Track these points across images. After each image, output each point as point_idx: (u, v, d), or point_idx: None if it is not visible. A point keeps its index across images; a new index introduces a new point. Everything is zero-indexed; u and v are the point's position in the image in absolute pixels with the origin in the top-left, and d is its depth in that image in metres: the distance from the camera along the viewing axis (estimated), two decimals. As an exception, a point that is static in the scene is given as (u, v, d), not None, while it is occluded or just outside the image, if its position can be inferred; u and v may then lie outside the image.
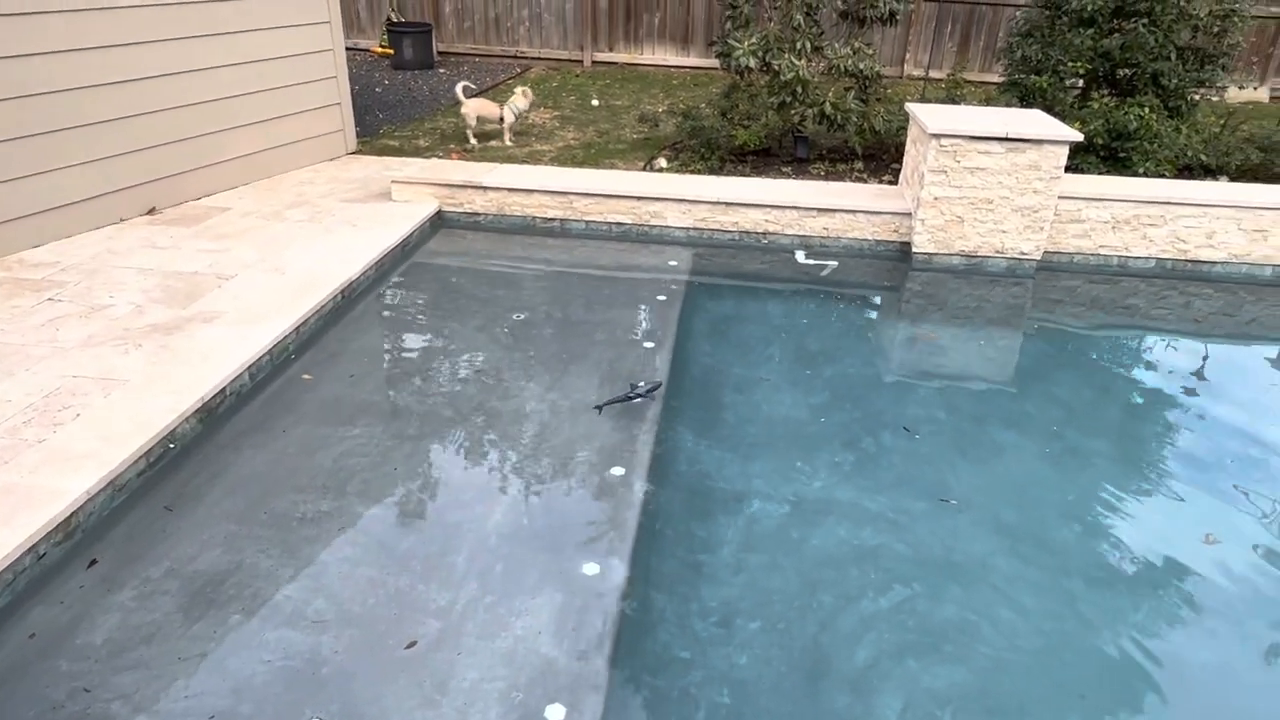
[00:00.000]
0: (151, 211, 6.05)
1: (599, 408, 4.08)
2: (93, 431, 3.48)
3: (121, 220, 5.87)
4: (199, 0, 6.04)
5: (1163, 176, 6.98)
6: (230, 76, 6.42)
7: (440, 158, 7.70)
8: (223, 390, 3.93)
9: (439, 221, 6.45)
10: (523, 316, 5.07)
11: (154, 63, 5.83)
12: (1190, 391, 4.77)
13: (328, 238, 5.71)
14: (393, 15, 12.72)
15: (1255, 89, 11.46)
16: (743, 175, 7.28)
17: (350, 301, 5.10)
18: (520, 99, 8.25)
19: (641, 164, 7.72)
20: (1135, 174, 6.96)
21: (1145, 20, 7.06)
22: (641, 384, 4.16)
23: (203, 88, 6.23)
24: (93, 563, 3.04)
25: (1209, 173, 7.37)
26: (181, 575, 3.00)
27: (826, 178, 7.32)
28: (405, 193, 6.47)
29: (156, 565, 3.04)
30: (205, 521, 3.27)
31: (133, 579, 2.98)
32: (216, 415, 3.88)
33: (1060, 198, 5.83)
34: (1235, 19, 7.09)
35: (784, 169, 7.52)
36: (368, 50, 12.94)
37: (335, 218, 6.08)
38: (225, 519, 3.28)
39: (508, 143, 8.28)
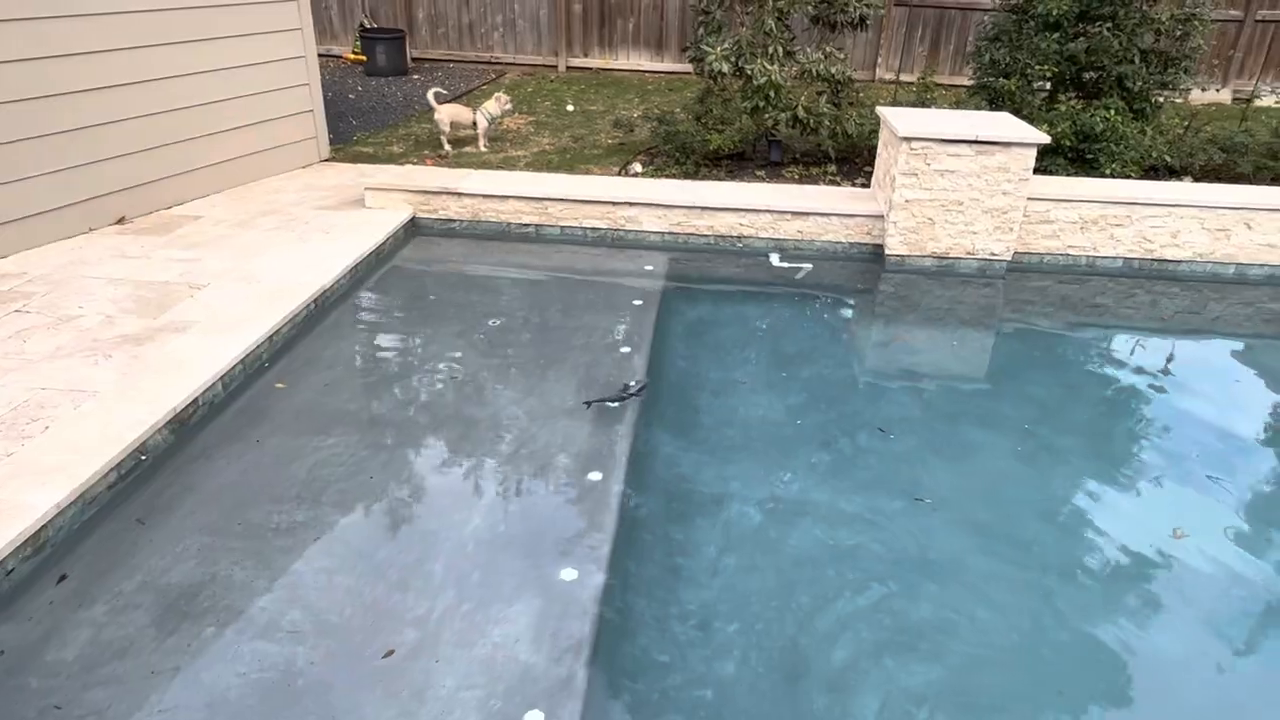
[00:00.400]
0: (121, 221, 5.98)
1: (588, 403, 4.11)
2: (62, 444, 3.43)
3: (90, 230, 5.79)
4: (168, 8, 5.98)
5: (1129, 177, 7.09)
6: (200, 84, 6.36)
7: (415, 164, 7.67)
8: (195, 400, 3.89)
9: (413, 228, 6.42)
10: (498, 322, 5.06)
11: (122, 71, 5.76)
12: (1158, 388, 4.85)
13: (301, 245, 5.67)
14: (366, 21, 12.66)
15: (1218, 91, 11.68)
16: (717, 179, 7.31)
17: (324, 310, 5.07)
18: (493, 104, 8.24)
19: (617, 169, 7.74)
20: (1102, 175, 7.08)
21: (1109, 24, 7.19)
22: (633, 383, 4.21)
23: (172, 95, 6.17)
24: (63, 578, 3.00)
25: (1173, 173, 7.51)
26: (154, 588, 2.97)
27: (800, 181, 7.37)
28: (379, 200, 6.44)
29: (128, 579, 3.00)
30: (178, 534, 3.23)
31: (104, 593, 2.94)
32: (189, 426, 3.84)
33: (1029, 199, 5.91)
34: (1196, 23, 7.23)
35: (758, 173, 7.57)
36: (340, 57, 12.87)
37: (308, 225, 6.04)
38: (198, 531, 3.25)
39: (482, 148, 8.27)
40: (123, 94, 5.80)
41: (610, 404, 4.13)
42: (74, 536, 3.17)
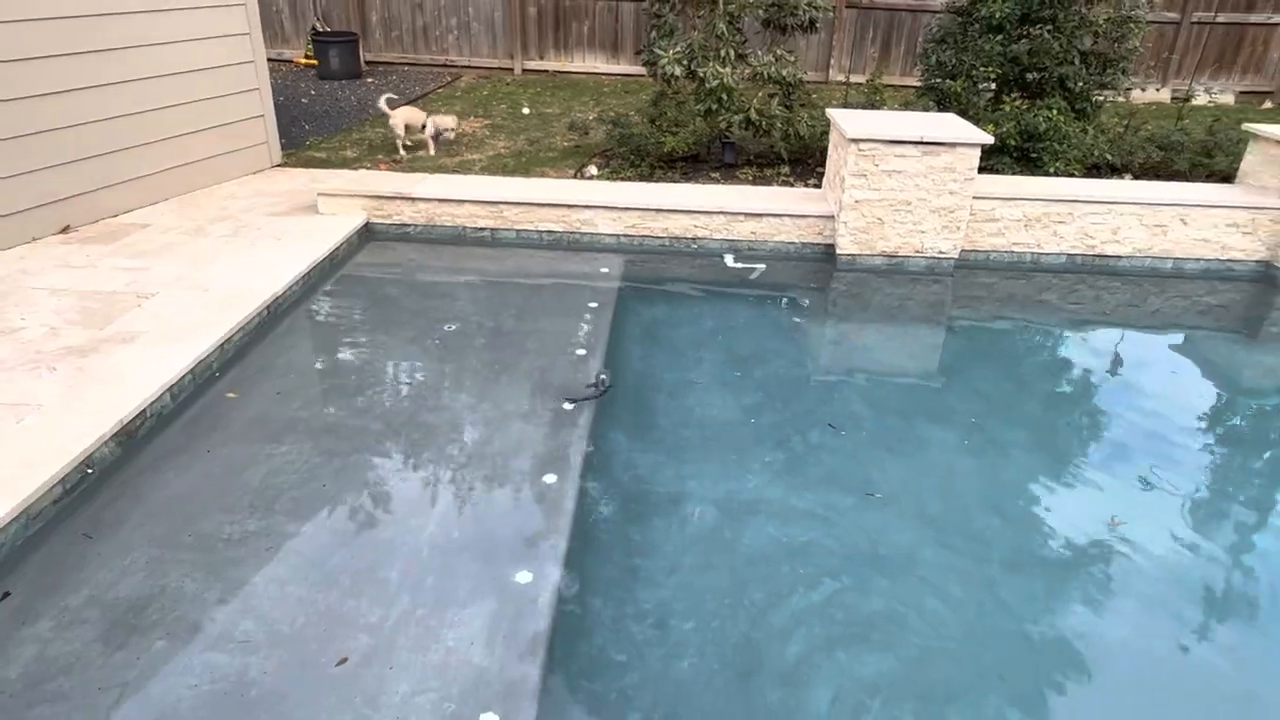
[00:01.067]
0: (66, 229, 5.86)
1: (572, 401, 4.22)
2: (4, 459, 3.36)
3: (34, 239, 5.66)
4: (113, 13, 5.87)
5: (1072, 175, 7.29)
6: (147, 90, 6.25)
7: (369, 169, 7.62)
8: (143, 412, 3.83)
9: (368, 234, 6.38)
10: (454, 327, 5.05)
11: (66, 76, 5.64)
12: (1100, 381, 5.01)
13: (252, 252, 5.60)
14: (318, 25, 12.51)
15: (1158, 90, 12.04)
16: (672, 181, 7.36)
17: (276, 317, 5.02)
18: (445, 119, 8.31)
19: (572, 172, 7.75)
20: (1046, 173, 7.26)
21: (1049, 27, 7.38)
22: (603, 376, 4.37)
23: (118, 102, 6.05)
24: (6, 595, 2.94)
25: (1114, 171, 7.74)
26: (102, 603, 2.92)
27: (754, 182, 7.45)
28: (332, 205, 6.38)
29: (75, 594, 2.96)
30: (126, 547, 3.18)
31: (50, 609, 2.89)
32: (137, 438, 3.78)
33: (975, 198, 6.05)
34: (1132, 25, 7.46)
35: (713, 174, 7.64)
36: (292, 61, 12.71)
37: (260, 232, 5.97)
38: (148, 544, 3.21)
39: (433, 152, 8.23)
40: (66, 100, 5.68)
41: (581, 401, 4.21)
42: (18, 552, 3.11)
